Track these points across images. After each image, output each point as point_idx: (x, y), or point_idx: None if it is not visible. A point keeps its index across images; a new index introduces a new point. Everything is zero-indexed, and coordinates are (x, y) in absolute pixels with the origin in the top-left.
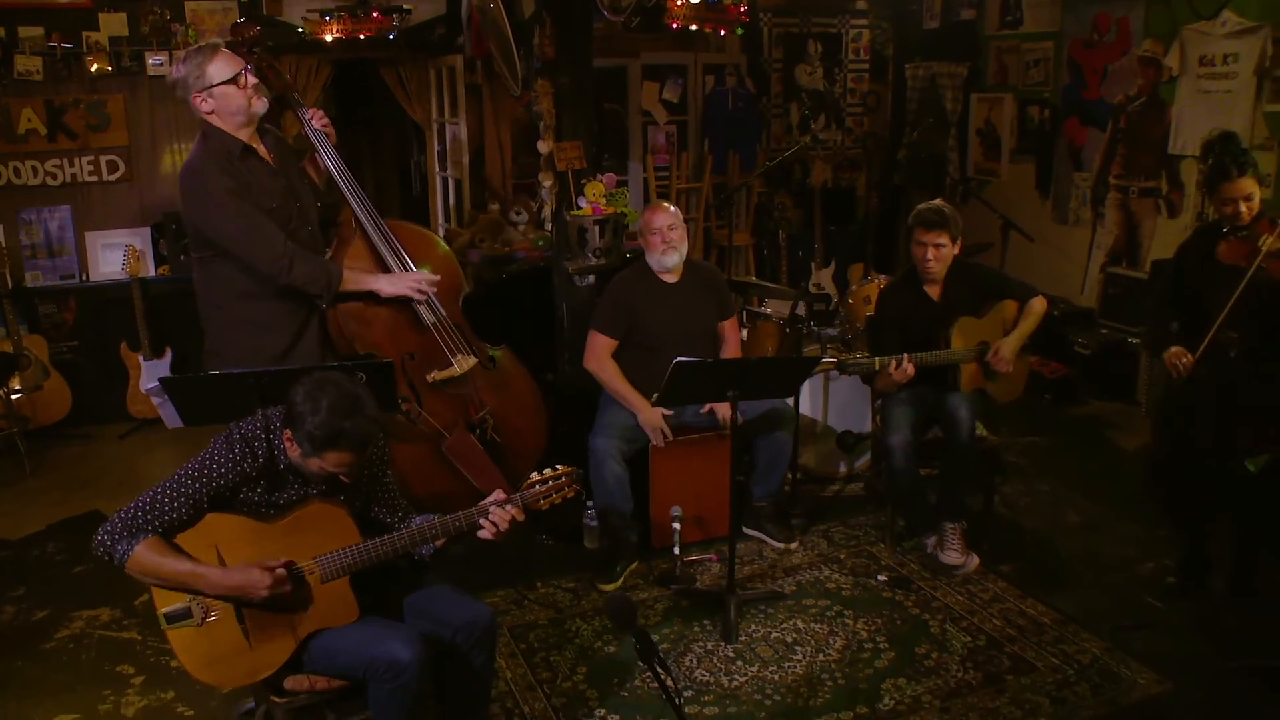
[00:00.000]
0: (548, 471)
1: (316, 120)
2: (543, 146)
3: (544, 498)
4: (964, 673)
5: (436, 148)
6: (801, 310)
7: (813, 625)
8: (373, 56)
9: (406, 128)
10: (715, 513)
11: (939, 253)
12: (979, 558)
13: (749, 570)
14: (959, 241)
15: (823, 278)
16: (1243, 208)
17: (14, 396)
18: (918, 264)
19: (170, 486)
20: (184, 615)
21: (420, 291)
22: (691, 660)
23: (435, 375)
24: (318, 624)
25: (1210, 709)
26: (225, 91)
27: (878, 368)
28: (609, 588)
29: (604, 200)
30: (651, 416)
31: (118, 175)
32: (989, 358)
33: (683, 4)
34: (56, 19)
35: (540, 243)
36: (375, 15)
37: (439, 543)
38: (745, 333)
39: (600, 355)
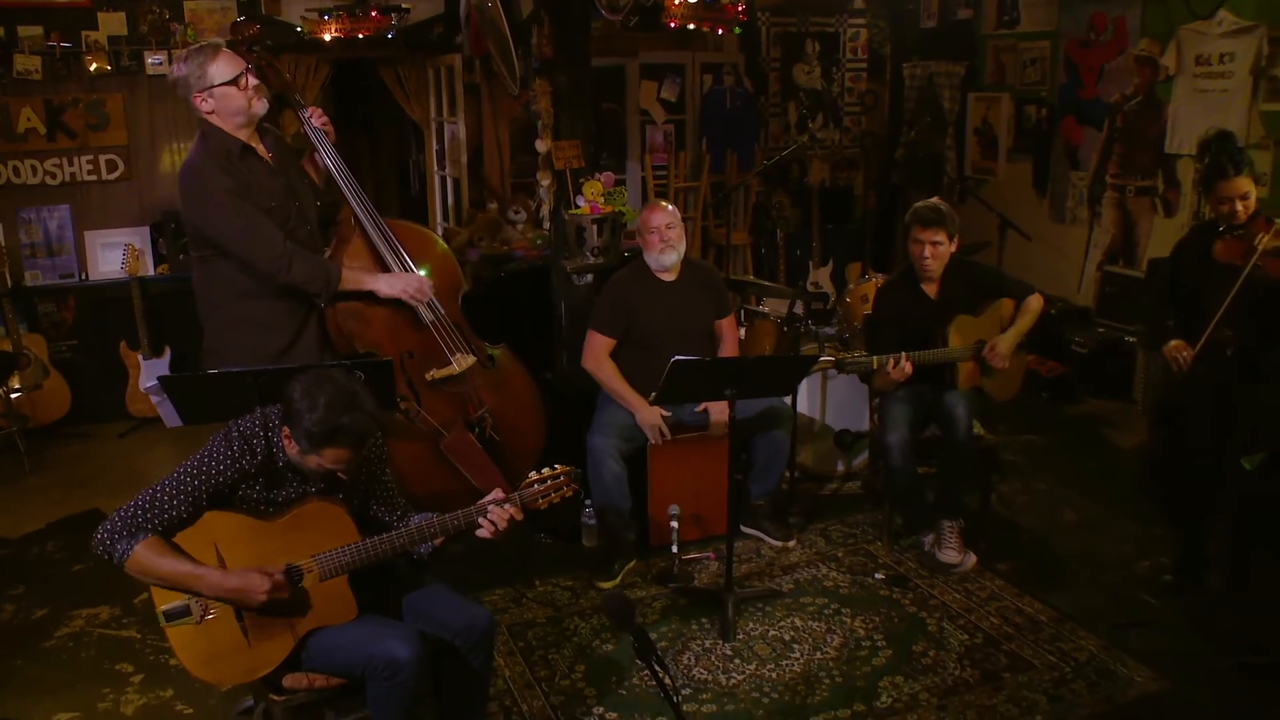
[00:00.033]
0: (546, 471)
1: (316, 119)
2: (541, 145)
3: (542, 497)
4: (961, 670)
5: (435, 147)
6: (799, 309)
7: (810, 623)
8: (371, 56)
9: (405, 127)
10: (713, 511)
11: (936, 250)
12: (976, 556)
13: (747, 568)
14: (956, 239)
15: (820, 276)
16: (1239, 206)
17: (13, 395)
18: (915, 262)
19: (169, 484)
20: (183, 613)
21: (415, 297)
22: (689, 658)
23: (434, 374)
24: (316, 622)
25: (1206, 706)
26: (226, 92)
27: (875, 366)
28: (607, 586)
29: (602, 199)
30: (649, 415)
31: (117, 174)
32: (985, 352)
33: (680, 3)
34: (55, 18)
35: (538, 242)
36: (373, 14)
37: (437, 541)
38: (743, 331)
39: (598, 355)
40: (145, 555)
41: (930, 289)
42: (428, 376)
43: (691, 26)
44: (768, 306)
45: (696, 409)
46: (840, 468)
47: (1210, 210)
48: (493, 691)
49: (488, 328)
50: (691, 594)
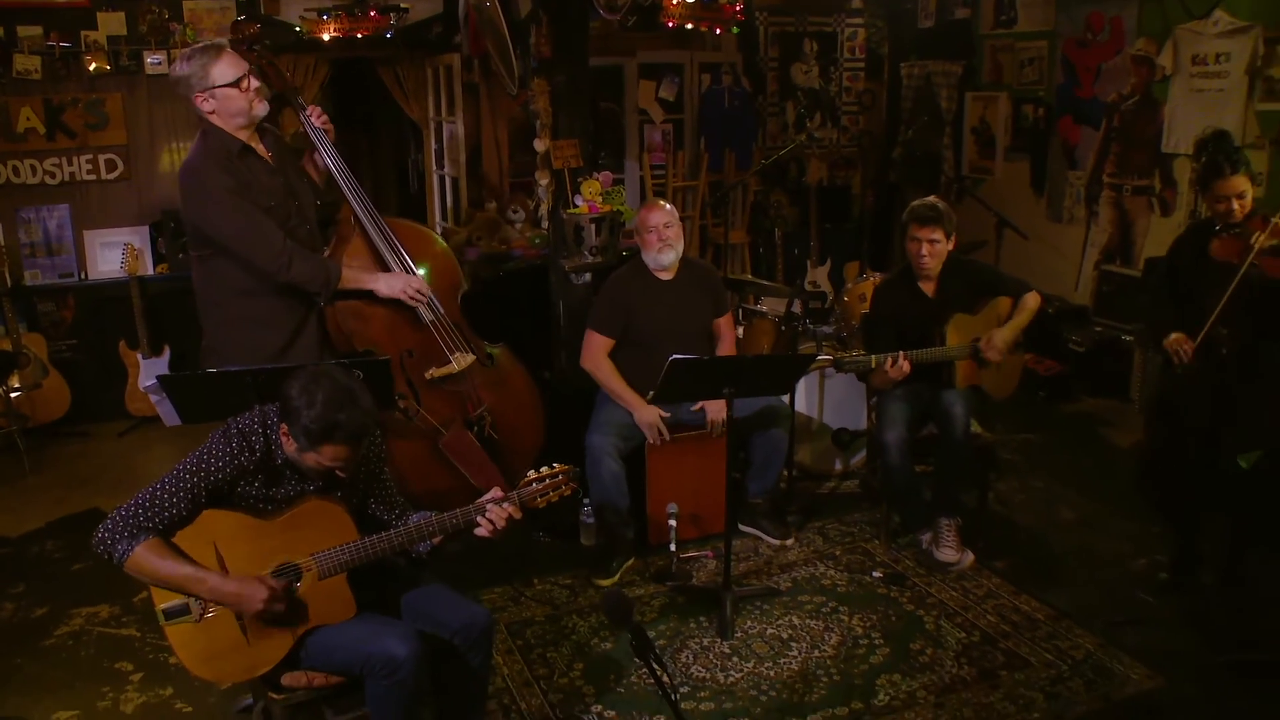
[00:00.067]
0: (545, 469)
1: (316, 118)
2: (539, 145)
3: (541, 495)
4: (958, 668)
5: (433, 146)
6: (797, 308)
7: (808, 621)
8: (370, 55)
9: (404, 126)
10: (711, 510)
11: (933, 248)
12: (973, 554)
13: (745, 567)
14: (953, 238)
15: (818, 275)
16: (1235, 205)
17: (13, 394)
18: (912, 260)
19: (169, 482)
20: (182, 611)
21: (414, 297)
22: (687, 656)
23: (433, 372)
24: (315, 621)
25: (1202, 703)
26: (227, 93)
27: (874, 365)
28: (605, 584)
29: (600, 198)
30: (647, 415)
31: (116, 174)
32: (980, 343)
33: (678, 3)
34: (55, 18)
35: (537, 241)
36: (372, 14)
37: (436, 540)
38: (741, 330)
39: (596, 354)
40: (145, 556)
41: (928, 287)
42: (427, 375)
43: (689, 26)
44: (765, 305)
45: (694, 408)
46: (838, 466)
47: (1207, 209)
48: (491, 690)
49: (486, 327)
50: (689, 592)
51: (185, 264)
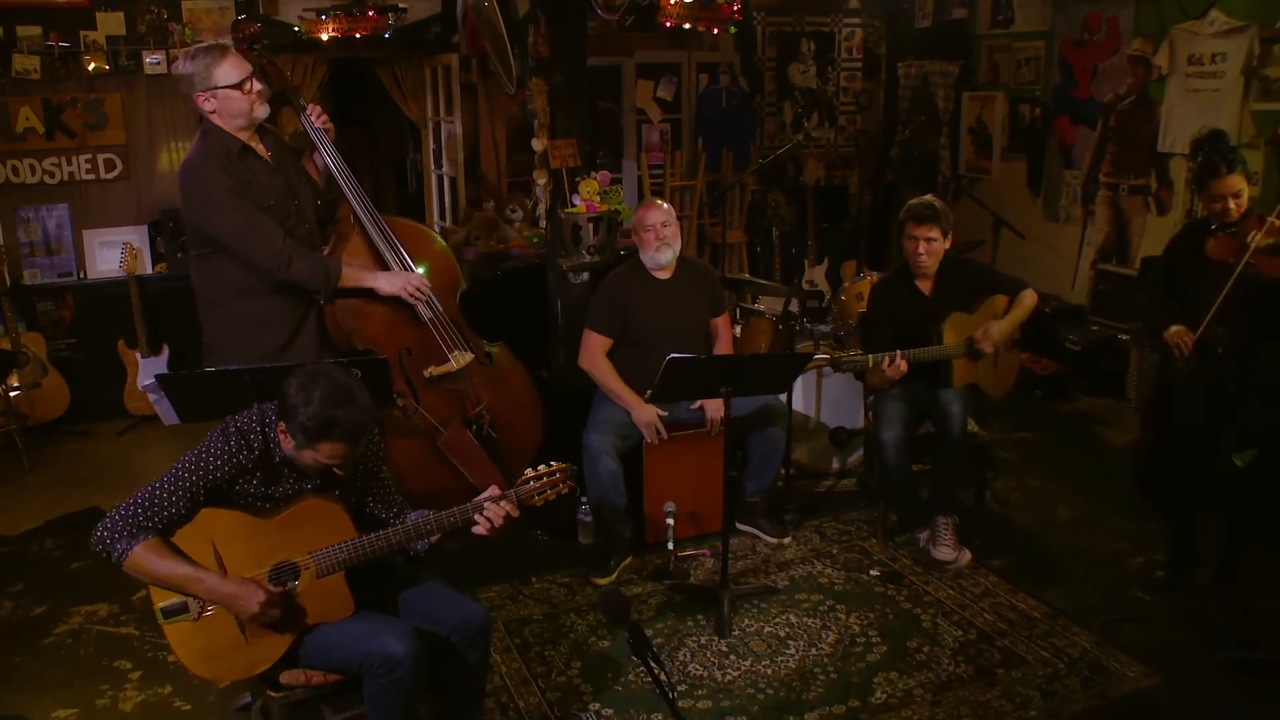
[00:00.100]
0: (542, 468)
1: (316, 117)
2: (537, 144)
3: (538, 494)
4: (955, 666)
5: (432, 146)
6: (795, 307)
7: (805, 620)
8: (368, 55)
9: (402, 126)
10: (709, 508)
11: (930, 247)
12: (971, 553)
13: (742, 565)
14: (950, 236)
15: (816, 275)
16: (1231, 205)
17: (12, 394)
18: (909, 258)
19: (167, 481)
20: (180, 610)
21: (414, 295)
22: (685, 654)
23: (432, 371)
24: (313, 619)
25: (1197, 700)
26: (229, 94)
27: (871, 365)
28: (603, 582)
29: (598, 198)
30: (645, 414)
31: (115, 174)
32: (976, 334)
33: (676, 3)
34: (54, 18)
35: (535, 240)
36: (371, 14)
37: (434, 538)
38: (739, 329)
39: (594, 354)
40: (143, 556)
41: (925, 286)
42: (426, 373)
43: (687, 26)
44: (763, 304)
45: (692, 406)
46: (835, 465)
47: (1203, 208)
48: (489, 688)
49: (485, 326)
50: (687, 590)
51: (184, 263)
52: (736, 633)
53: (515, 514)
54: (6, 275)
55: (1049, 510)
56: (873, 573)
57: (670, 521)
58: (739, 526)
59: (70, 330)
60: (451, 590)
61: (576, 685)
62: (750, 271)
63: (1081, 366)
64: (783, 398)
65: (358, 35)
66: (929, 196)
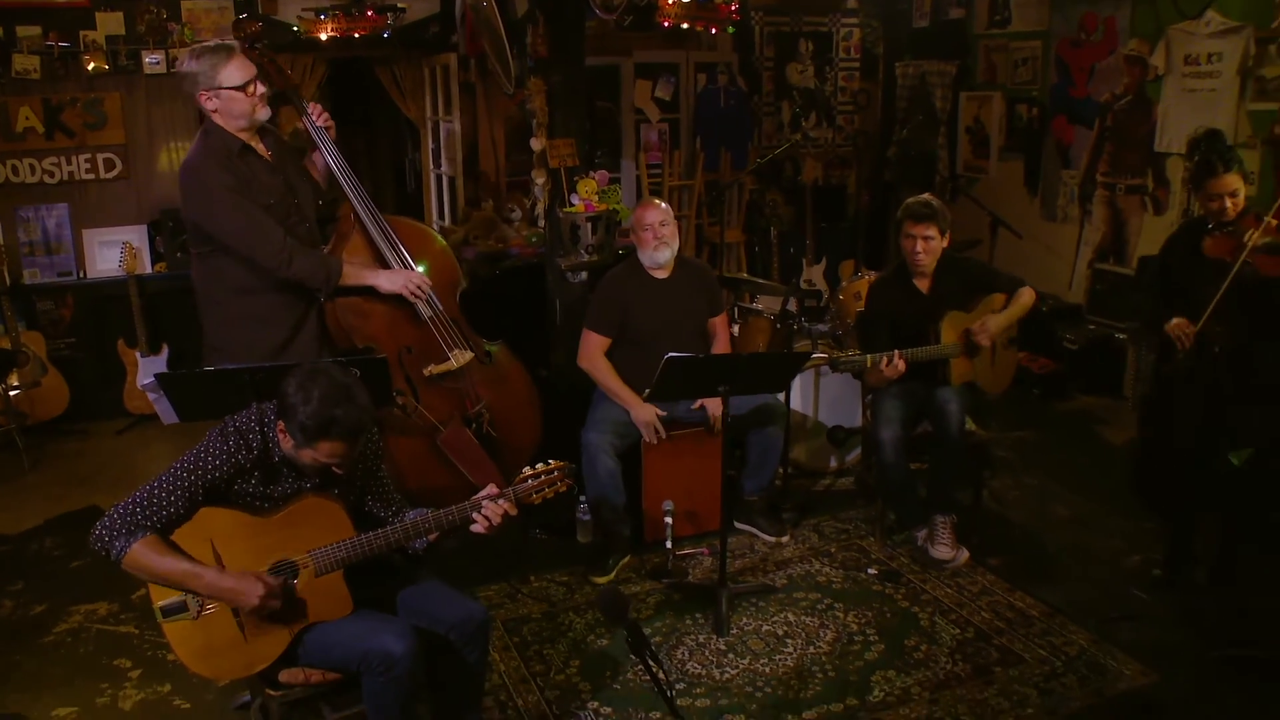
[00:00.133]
0: (540, 466)
1: (317, 116)
2: (536, 144)
3: (536, 492)
4: (953, 665)
5: (431, 145)
6: (793, 306)
7: (803, 618)
8: (367, 55)
9: (401, 125)
10: (707, 507)
11: (928, 245)
12: (968, 551)
13: (740, 564)
14: (948, 235)
15: (814, 274)
16: (1228, 204)
17: (12, 393)
18: (907, 257)
19: (166, 480)
20: (180, 609)
21: (415, 293)
22: (683, 653)
23: (432, 369)
24: (312, 617)
25: (1194, 698)
26: (232, 95)
27: (869, 365)
28: (602, 581)
29: (596, 197)
30: (644, 413)
31: (115, 173)
32: (974, 327)
33: (674, 3)
34: (54, 18)
35: (534, 239)
36: (370, 14)
37: (432, 537)
38: (737, 328)
39: (593, 354)
40: (142, 553)
41: (922, 284)
42: (426, 372)
43: (685, 26)
44: (761, 304)
45: (693, 406)
46: (833, 464)
47: (1200, 207)
48: (488, 686)
49: (483, 325)
50: (685, 589)
51: (183, 263)
52: (735, 631)
53: (513, 512)
54: (6, 275)
55: (1046, 509)
56: (871, 571)
57: (668, 520)
58: (737, 525)
59: (70, 329)
60: (450, 589)
61: (575, 683)
62: (748, 271)
63: (1079, 365)
64: (781, 397)
65: (356, 35)
66: (926, 195)
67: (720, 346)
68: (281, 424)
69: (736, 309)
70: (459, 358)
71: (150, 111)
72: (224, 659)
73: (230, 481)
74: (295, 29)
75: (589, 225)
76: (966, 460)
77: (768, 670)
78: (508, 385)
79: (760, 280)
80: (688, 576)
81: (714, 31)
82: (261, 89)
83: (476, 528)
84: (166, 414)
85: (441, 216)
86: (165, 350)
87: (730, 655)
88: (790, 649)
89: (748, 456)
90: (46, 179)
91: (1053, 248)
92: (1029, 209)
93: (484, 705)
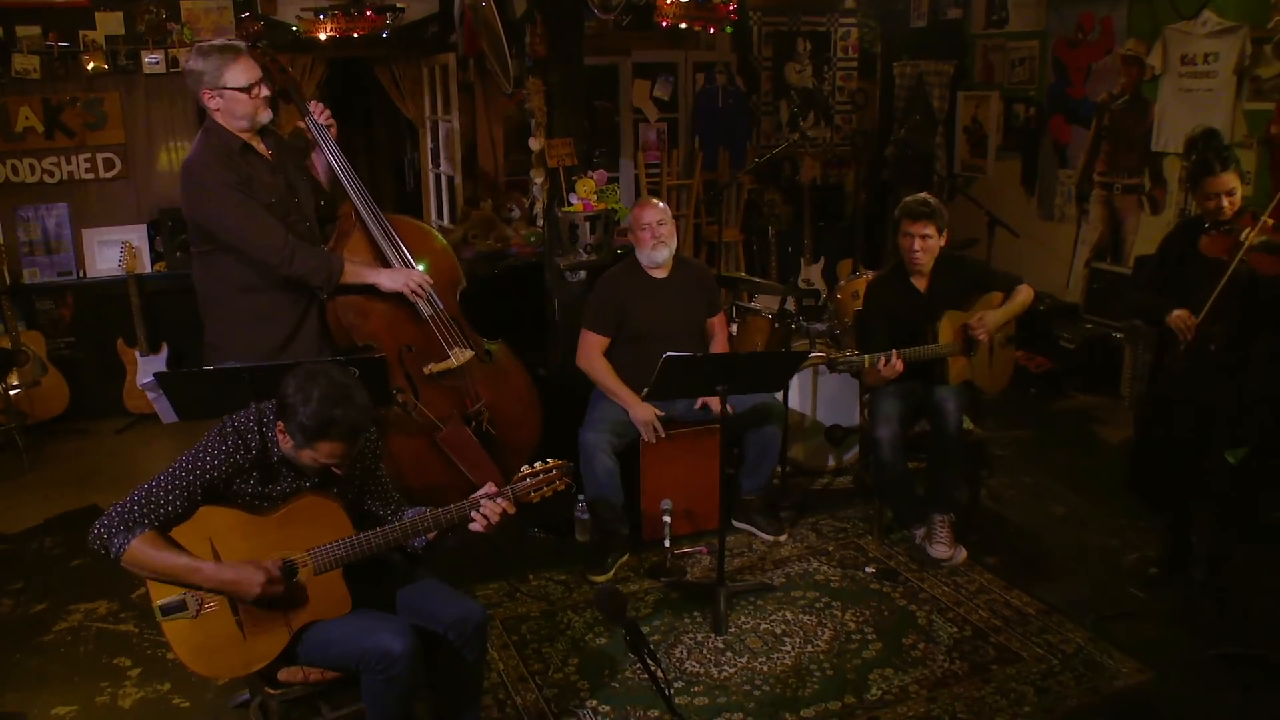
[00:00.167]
0: (538, 465)
1: (319, 115)
2: (534, 143)
3: (535, 490)
4: (950, 663)
5: (429, 145)
6: (791, 305)
7: (801, 617)
8: (366, 55)
9: (400, 125)
10: (705, 506)
11: (925, 243)
12: (966, 550)
13: (738, 562)
14: (945, 233)
15: (812, 273)
16: (1225, 203)
17: (12, 392)
18: (904, 255)
19: (164, 480)
20: (179, 607)
21: (416, 292)
22: (681, 651)
23: (432, 367)
24: (311, 616)
25: (1191, 697)
26: (236, 96)
27: (867, 365)
28: (600, 580)
29: (595, 197)
30: (642, 413)
31: (114, 173)
32: (971, 321)
33: (672, 2)
34: (53, 18)
35: (533, 239)
36: (369, 14)
37: (431, 535)
38: (735, 327)
39: (591, 354)
40: (141, 549)
41: (920, 283)
42: (426, 370)
43: (683, 26)
44: (759, 303)
45: (696, 405)
46: (831, 463)
47: (1197, 206)
48: (486, 685)
49: (482, 324)
50: (683, 588)
51: (183, 262)
52: (733, 630)
53: (512, 511)
54: (6, 274)
55: (1043, 507)
56: (868, 570)
57: (667, 519)
58: (735, 524)
59: (69, 329)
60: (448, 588)
61: (574, 682)
62: (747, 270)
63: (1075, 364)
64: (779, 396)
65: (355, 35)
66: (924, 194)
67: (718, 346)
68: (281, 424)
69: (734, 308)
70: (459, 356)
71: (150, 111)
72: (223, 657)
73: (229, 481)
74: (294, 29)
75: (587, 224)
76: (964, 459)
77: (766, 668)
78: (507, 384)
79: (758, 279)
80: (686, 575)
81: (712, 31)
82: (265, 91)
83: (475, 526)
84: (166, 413)
85: (440, 216)
86: (165, 349)
87: (728, 654)
88: (788, 647)
89: (745, 455)
90: (46, 179)
91: (1050, 247)
92: (1026, 208)
93: (482, 704)
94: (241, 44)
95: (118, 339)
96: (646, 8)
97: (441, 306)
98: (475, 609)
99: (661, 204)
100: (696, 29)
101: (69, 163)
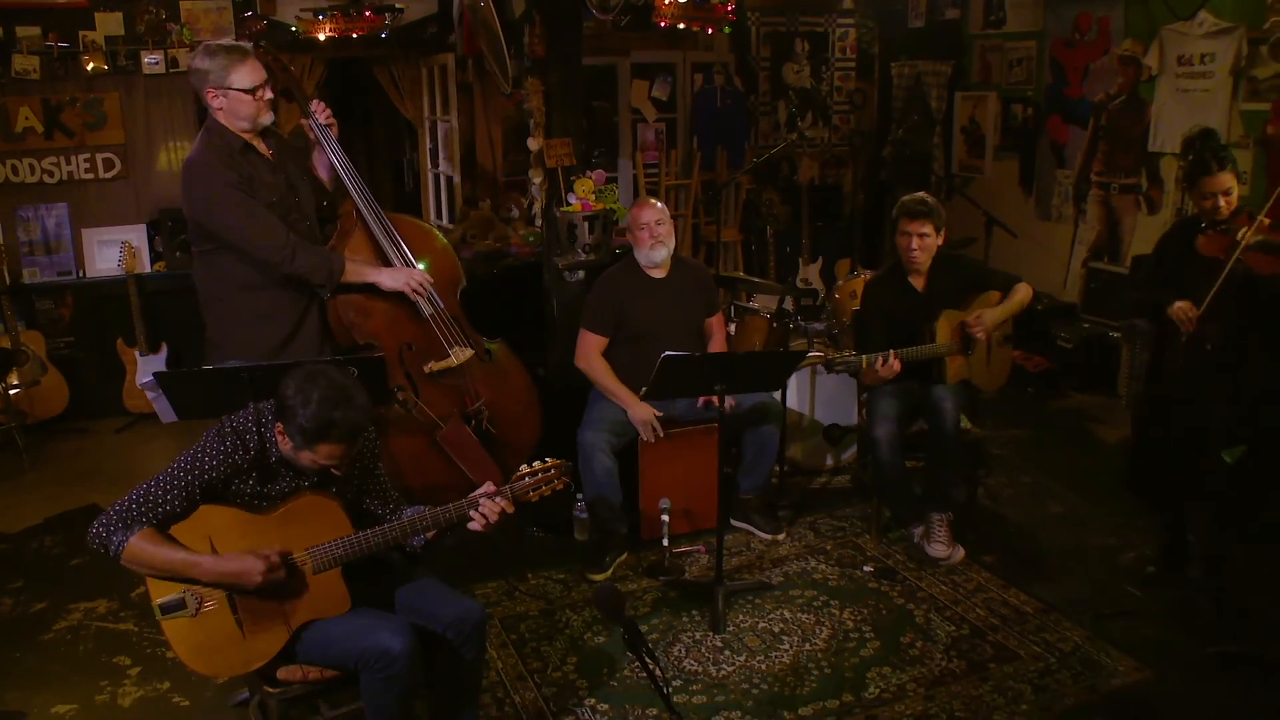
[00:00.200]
0: (537, 464)
1: (321, 114)
2: (533, 143)
3: (533, 489)
4: (948, 661)
5: (428, 145)
6: (789, 305)
7: (799, 615)
8: (365, 55)
9: (399, 125)
10: (703, 505)
11: (923, 242)
12: (963, 549)
13: (737, 561)
14: (943, 232)
15: (810, 273)
16: (1222, 202)
17: (12, 392)
18: (902, 254)
19: (163, 479)
20: (178, 606)
21: (416, 291)
22: (680, 650)
23: (432, 366)
24: (310, 614)
25: (1187, 695)
26: (240, 97)
27: (865, 365)
28: (599, 578)
29: (593, 196)
30: (642, 413)
31: (114, 173)
32: (969, 319)
33: (671, 3)
34: (53, 18)
35: (531, 239)
36: (368, 14)
37: (430, 534)
38: (733, 327)
39: (590, 354)
40: (140, 545)
41: (917, 282)
42: (426, 369)
43: (682, 26)
44: (758, 302)
45: (698, 404)
46: (829, 462)
47: (1194, 206)
48: (485, 683)
49: (482, 323)
50: (682, 587)
51: (182, 262)
52: (731, 628)
53: (510, 510)
54: (6, 274)
55: (1041, 506)
56: (866, 569)
57: (665, 518)
58: (733, 523)
59: (69, 328)
60: (447, 586)
61: (572, 681)
62: (745, 270)
63: (1073, 364)
64: (777, 395)
65: (354, 35)
66: (921, 193)
67: (716, 345)
68: (280, 425)
69: (733, 308)
70: (459, 355)
71: (149, 111)
72: (222, 656)
73: (227, 481)
74: (294, 29)
75: (586, 224)
76: (962, 458)
77: (764, 667)
78: (507, 383)
79: (756, 279)
80: (684, 574)
81: (710, 31)
82: (269, 94)
83: (474, 525)
84: (165, 412)
85: (439, 216)
86: (164, 349)
87: (726, 652)
88: (786, 646)
89: (744, 455)
90: (46, 179)
91: (1047, 247)
92: (1024, 208)
93: (481, 702)
94: (248, 45)
95: (117, 339)
96: (645, 8)
97: (442, 305)
98: (474, 608)
99: (660, 204)
100: (695, 29)
101: (69, 163)
